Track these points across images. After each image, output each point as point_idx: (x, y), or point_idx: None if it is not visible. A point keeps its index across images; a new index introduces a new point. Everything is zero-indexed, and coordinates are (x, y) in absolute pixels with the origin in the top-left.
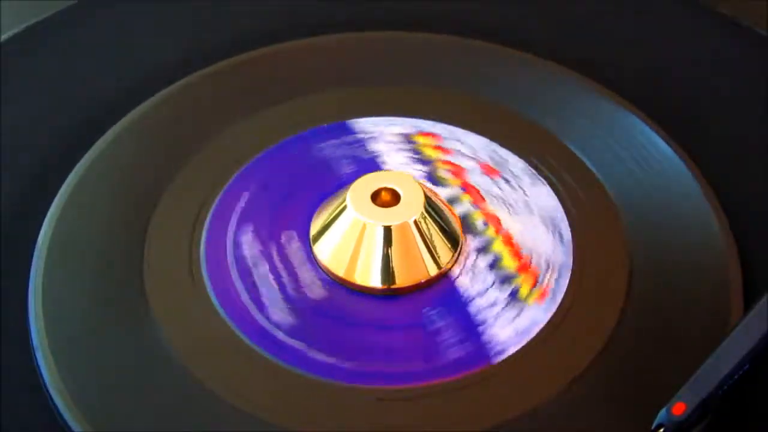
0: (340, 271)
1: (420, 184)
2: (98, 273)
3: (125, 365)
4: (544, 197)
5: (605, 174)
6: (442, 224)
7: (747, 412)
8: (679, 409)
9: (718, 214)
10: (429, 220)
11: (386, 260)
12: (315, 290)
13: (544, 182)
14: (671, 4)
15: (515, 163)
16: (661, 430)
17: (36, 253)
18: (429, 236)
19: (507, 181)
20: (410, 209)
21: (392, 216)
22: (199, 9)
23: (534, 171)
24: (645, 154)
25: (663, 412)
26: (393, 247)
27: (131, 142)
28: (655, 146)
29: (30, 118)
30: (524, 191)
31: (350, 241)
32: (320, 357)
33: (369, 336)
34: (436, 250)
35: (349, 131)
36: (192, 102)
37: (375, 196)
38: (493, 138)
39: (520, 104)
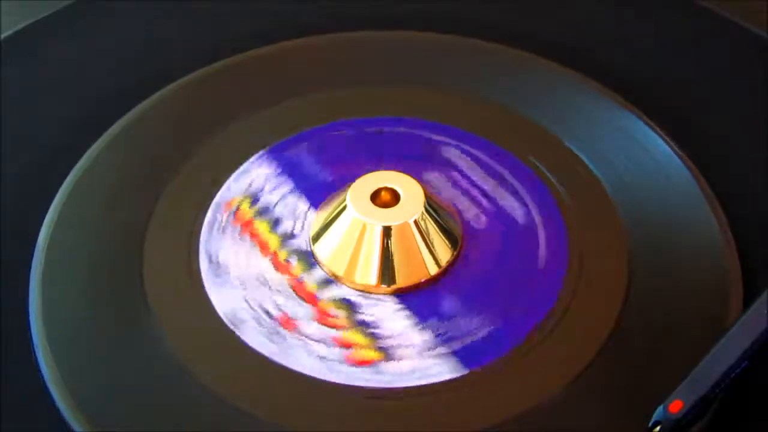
0: (339, 271)
1: (420, 184)
2: (98, 273)
3: (125, 365)
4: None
5: (605, 174)
6: (442, 224)
7: (745, 410)
8: (676, 406)
9: (718, 214)
10: (429, 220)
11: (386, 260)
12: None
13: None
14: (671, 4)
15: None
16: (658, 427)
17: (36, 253)
18: (429, 236)
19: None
20: (410, 209)
21: (392, 216)
22: (199, 9)
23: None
24: (645, 154)
25: (660, 409)
26: (393, 247)
27: (131, 141)
28: (655, 146)
29: (30, 117)
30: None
31: (350, 241)
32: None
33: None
34: (436, 250)
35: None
36: (192, 102)
37: (375, 196)
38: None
39: (520, 104)
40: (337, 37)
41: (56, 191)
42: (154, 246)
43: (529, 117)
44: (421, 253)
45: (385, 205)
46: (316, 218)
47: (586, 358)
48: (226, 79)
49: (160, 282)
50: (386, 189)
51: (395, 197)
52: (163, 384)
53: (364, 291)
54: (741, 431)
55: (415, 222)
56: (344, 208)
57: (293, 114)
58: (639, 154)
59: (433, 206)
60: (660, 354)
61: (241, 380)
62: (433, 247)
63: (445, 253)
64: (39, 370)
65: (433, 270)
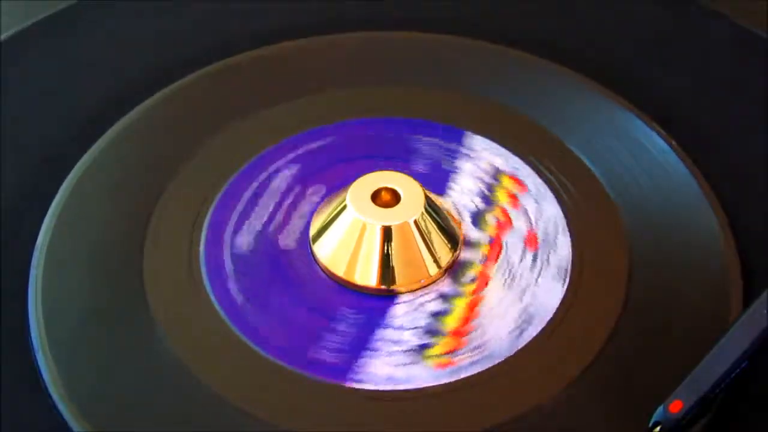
0: (339, 271)
1: (420, 184)
2: (98, 273)
3: (125, 365)
4: (547, 294)
5: (605, 174)
6: (442, 224)
7: (745, 410)
8: (676, 406)
9: (718, 214)
10: (429, 220)
11: (386, 260)
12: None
13: (568, 233)
14: (671, 4)
15: (563, 253)
16: (658, 427)
17: (36, 253)
18: (429, 236)
19: (534, 259)
20: (410, 209)
21: (392, 216)
22: (199, 9)
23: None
24: (645, 154)
25: (660, 409)
26: (393, 247)
27: (131, 141)
28: (655, 146)
29: (30, 117)
30: (537, 278)
31: (350, 241)
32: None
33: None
34: (436, 250)
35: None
36: (192, 102)
37: (375, 196)
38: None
39: (520, 104)
40: (337, 37)
41: (56, 191)
42: (155, 246)
43: (529, 117)
44: (421, 253)
45: (385, 205)
46: (315, 218)
47: (586, 358)
48: (226, 79)
49: (160, 282)
50: (386, 189)
51: (395, 197)
52: (163, 384)
53: (366, 291)
54: (741, 431)
55: (415, 222)
56: (344, 208)
57: (293, 114)
58: (639, 154)
59: (433, 206)
60: (660, 354)
61: (241, 380)
62: (433, 247)
63: (445, 253)
64: (38, 370)
65: (433, 270)
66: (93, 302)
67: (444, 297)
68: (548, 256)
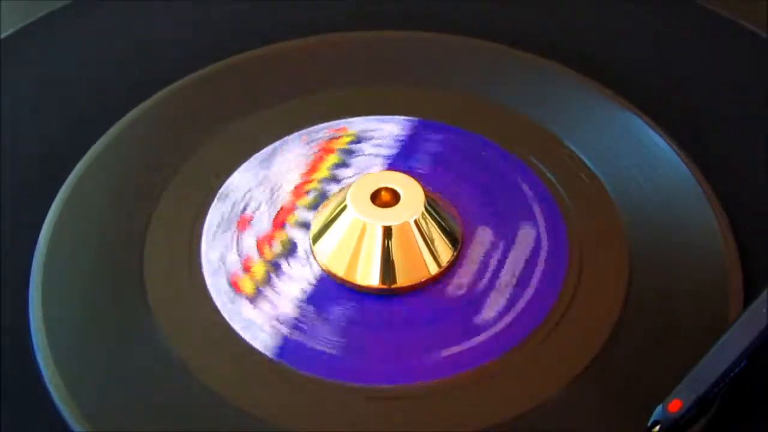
0: (340, 271)
1: (420, 184)
2: (98, 273)
3: (125, 365)
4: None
5: (605, 174)
6: (442, 224)
7: (745, 410)
8: (675, 406)
9: (718, 214)
10: (429, 219)
11: (386, 260)
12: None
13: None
14: (671, 4)
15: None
16: (657, 427)
17: (36, 253)
18: (429, 236)
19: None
20: (410, 209)
21: (392, 216)
22: (199, 9)
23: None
24: (645, 154)
25: (659, 408)
26: (393, 247)
27: (131, 141)
28: (655, 146)
29: (30, 117)
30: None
31: (350, 241)
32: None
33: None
34: (436, 250)
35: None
36: (192, 102)
37: (375, 196)
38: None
39: (521, 104)
40: (336, 37)
41: (57, 192)
42: (155, 246)
43: (529, 117)
44: (421, 253)
45: (385, 205)
46: (316, 218)
47: (586, 358)
48: (226, 79)
49: (161, 282)
50: (386, 189)
51: (395, 197)
52: (163, 384)
53: (366, 291)
54: (741, 431)
55: (415, 222)
56: (344, 208)
57: (293, 114)
58: (639, 154)
59: (433, 206)
60: (660, 354)
61: (241, 380)
62: (434, 247)
63: (445, 253)
64: (39, 371)
65: (434, 270)
66: (93, 302)
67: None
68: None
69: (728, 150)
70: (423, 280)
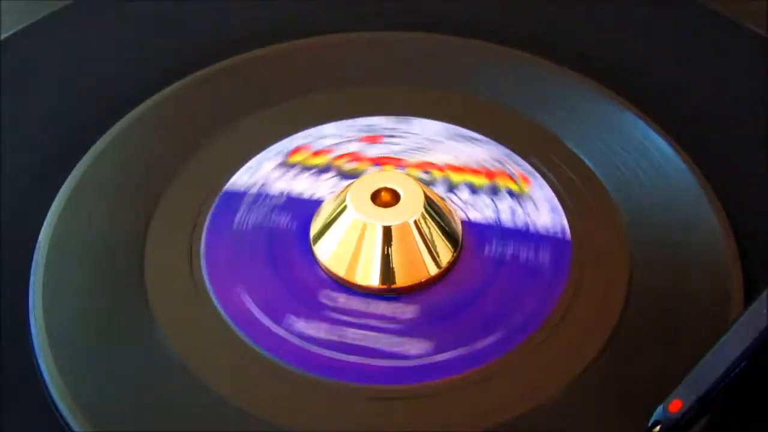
0: (340, 271)
1: (420, 184)
2: (98, 273)
3: (125, 365)
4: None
5: (605, 174)
6: (442, 224)
7: (745, 410)
8: (675, 406)
9: (718, 213)
10: (429, 220)
11: (386, 260)
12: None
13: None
14: (671, 4)
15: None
16: (658, 427)
17: (36, 253)
18: (429, 236)
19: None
20: (410, 209)
21: (392, 216)
22: (200, 9)
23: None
24: (645, 154)
25: (660, 409)
26: (393, 247)
27: (131, 141)
28: (655, 146)
29: (30, 117)
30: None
31: (350, 241)
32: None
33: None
34: (436, 250)
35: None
36: (192, 102)
37: (375, 196)
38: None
39: (521, 104)
40: (337, 37)
41: (57, 192)
42: (155, 246)
43: (529, 117)
44: (421, 253)
45: (385, 205)
46: (316, 218)
47: (587, 358)
48: (226, 79)
49: (160, 282)
50: (386, 189)
51: (395, 197)
52: (163, 384)
53: (366, 291)
54: (741, 431)
55: (415, 222)
56: (344, 208)
57: (293, 114)
58: (639, 154)
59: (433, 206)
60: (660, 354)
61: (241, 380)
62: (433, 247)
63: (445, 254)
64: (39, 370)
65: (433, 270)
66: (93, 302)
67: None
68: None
69: (728, 150)
70: (423, 280)
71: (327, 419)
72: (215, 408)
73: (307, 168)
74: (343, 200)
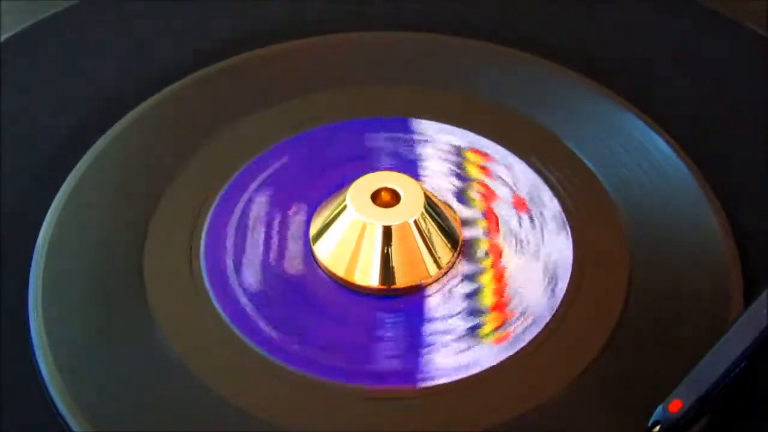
0: (340, 271)
1: (420, 184)
2: (98, 273)
3: (125, 365)
4: (559, 248)
5: (605, 174)
6: (442, 224)
7: (745, 410)
8: (675, 406)
9: (718, 213)
10: (429, 220)
11: (386, 260)
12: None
13: (568, 233)
14: (672, 4)
15: (552, 206)
16: (658, 427)
17: (36, 253)
18: (429, 236)
19: (531, 220)
20: (410, 209)
21: (392, 216)
22: (200, 9)
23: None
24: (645, 154)
25: (660, 409)
26: (393, 247)
27: (131, 141)
28: (655, 146)
29: (30, 117)
30: (543, 236)
31: (350, 241)
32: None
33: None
34: (436, 250)
35: (407, 129)
36: (192, 102)
37: (375, 196)
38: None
39: (521, 104)
40: (337, 37)
41: (57, 192)
42: (155, 246)
43: (529, 117)
44: (421, 253)
45: (385, 205)
46: (316, 218)
47: (587, 358)
48: (226, 79)
49: (160, 282)
50: (386, 189)
51: (395, 197)
52: (163, 384)
53: (366, 292)
54: (741, 431)
55: (415, 222)
56: (344, 208)
57: (293, 114)
58: (639, 154)
59: (433, 206)
60: (660, 354)
61: (241, 380)
62: (434, 247)
63: (445, 254)
64: (38, 370)
65: (433, 270)
66: (93, 302)
67: (467, 277)
68: (541, 213)
69: (728, 150)
70: (422, 280)
71: (327, 419)
72: (215, 408)
73: None
74: (343, 200)
